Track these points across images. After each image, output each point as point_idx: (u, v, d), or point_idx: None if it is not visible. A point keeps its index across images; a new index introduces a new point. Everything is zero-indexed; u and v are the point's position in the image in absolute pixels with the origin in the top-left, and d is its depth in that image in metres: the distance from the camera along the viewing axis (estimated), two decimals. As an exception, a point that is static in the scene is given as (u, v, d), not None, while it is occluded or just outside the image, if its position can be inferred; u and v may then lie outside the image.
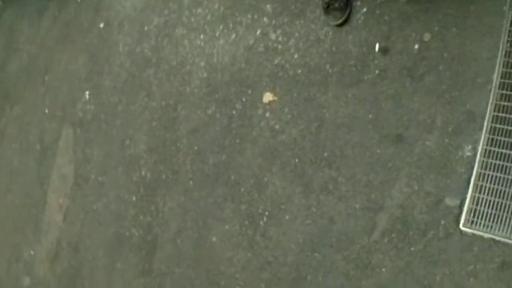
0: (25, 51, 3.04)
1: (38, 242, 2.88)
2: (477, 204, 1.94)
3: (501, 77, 1.90)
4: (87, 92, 2.81)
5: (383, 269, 2.05)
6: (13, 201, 3.03)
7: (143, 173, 2.59)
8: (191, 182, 2.44)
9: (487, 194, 1.93)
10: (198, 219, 2.41)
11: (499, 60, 1.90)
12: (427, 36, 2.02)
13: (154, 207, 2.53)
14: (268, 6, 2.37)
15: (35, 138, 2.91)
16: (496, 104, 1.90)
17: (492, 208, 1.94)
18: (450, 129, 1.96)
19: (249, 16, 2.41)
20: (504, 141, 1.89)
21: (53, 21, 3.10)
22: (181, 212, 2.45)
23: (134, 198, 2.60)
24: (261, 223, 2.27)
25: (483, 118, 1.89)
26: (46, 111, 2.89)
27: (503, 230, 1.92)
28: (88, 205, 2.74)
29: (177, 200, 2.47)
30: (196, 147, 2.45)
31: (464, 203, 1.95)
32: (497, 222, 1.92)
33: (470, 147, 1.94)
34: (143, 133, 2.62)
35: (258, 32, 2.37)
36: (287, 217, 2.22)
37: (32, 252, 2.92)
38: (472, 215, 1.95)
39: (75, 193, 2.77)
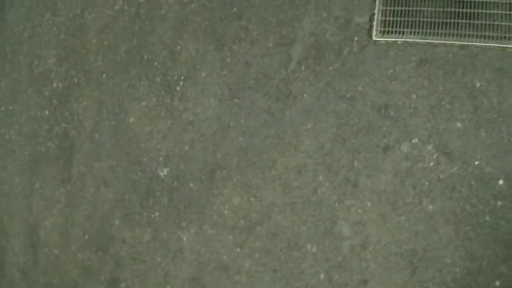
0: None
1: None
2: (386, 15, 1.94)
3: None
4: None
5: (305, 95, 1.96)
6: None
7: (54, 85, 2.45)
8: (104, 75, 2.32)
9: (394, 5, 1.94)
10: (114, 107, 2.26)
11: None
12: None
13: (69, 113, 2.37)
14: None
15: None
16: None
17: (401, 16, 1.94)
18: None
19: None
20: None
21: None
22: (97, 106, 2.31)
23: (47, 112, 2.43)
24: (178, 88, 2.16)
25: None
26: None
27: (414, 33, 1.92)
28: (0, 138, 2.54)
29: (91, 96, 2.33)
30: (106, 42, 2.36)
31: (374, 17, 1.95)
32: (407, 27, 1.92)
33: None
34: (52, 48, 2.50)
35: None
36: (203, 74, 2.12)
37: None
38: (382, 25, 1.95)
39: (-16, 132, 2.56)
